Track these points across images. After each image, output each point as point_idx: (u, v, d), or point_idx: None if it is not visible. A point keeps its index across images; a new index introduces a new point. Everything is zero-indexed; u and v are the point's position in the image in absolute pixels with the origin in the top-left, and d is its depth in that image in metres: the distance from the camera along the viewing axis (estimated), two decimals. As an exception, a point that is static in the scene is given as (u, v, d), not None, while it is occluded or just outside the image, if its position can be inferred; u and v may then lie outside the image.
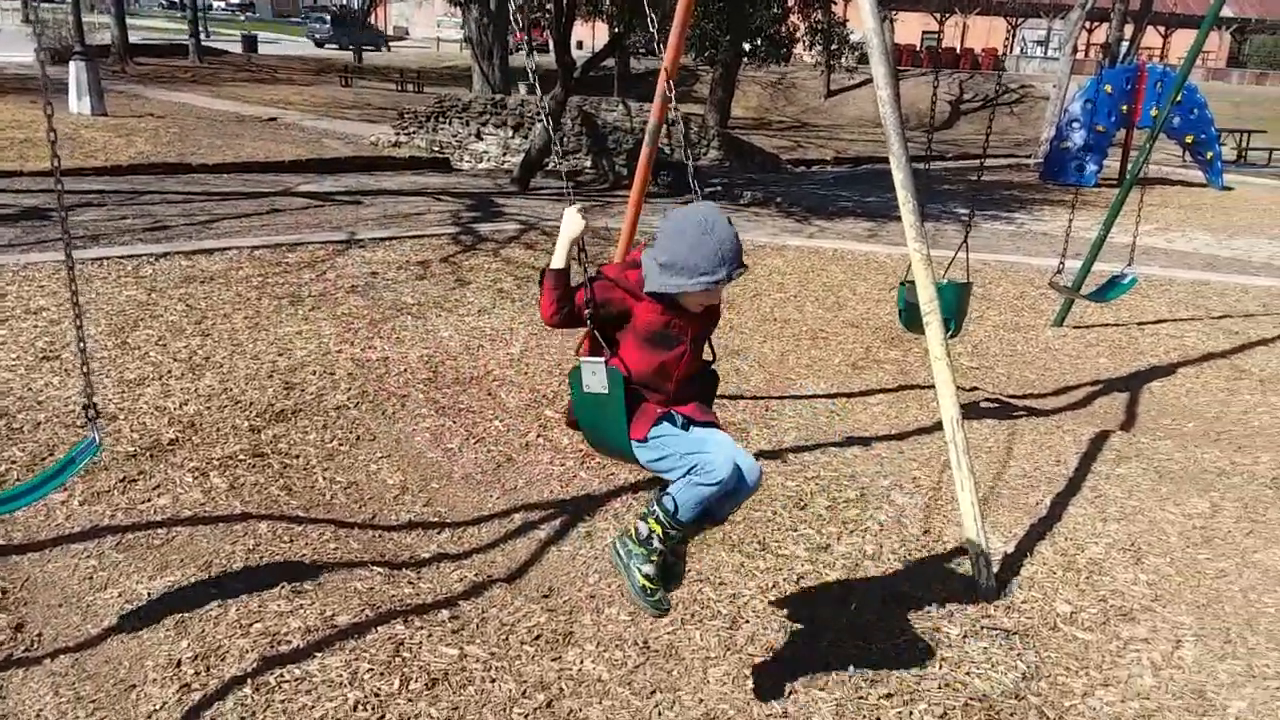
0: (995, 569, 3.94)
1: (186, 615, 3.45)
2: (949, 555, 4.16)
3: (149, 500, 4.26)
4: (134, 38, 34.47)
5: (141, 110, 18.86)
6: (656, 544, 2.78)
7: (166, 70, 29.42)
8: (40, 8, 3.80)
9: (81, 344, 3.37)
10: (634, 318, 2.74)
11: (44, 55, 3.35)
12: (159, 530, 4.03)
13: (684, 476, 2.69)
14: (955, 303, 5.32)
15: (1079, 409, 6.33)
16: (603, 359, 2.70)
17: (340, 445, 4.99)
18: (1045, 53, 50.94)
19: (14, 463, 4.45)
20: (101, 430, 3.42)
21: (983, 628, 3.63)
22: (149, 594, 3.58)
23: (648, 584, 2.79)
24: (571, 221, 2.79)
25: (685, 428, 2.77)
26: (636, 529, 2.82)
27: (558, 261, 2.75)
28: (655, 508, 2.77)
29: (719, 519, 2.93)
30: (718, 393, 3.02)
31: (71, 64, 17.25)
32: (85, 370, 3.32)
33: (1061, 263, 7.41)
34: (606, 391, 2.69)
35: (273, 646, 3.29)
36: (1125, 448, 5.51)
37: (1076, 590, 3.93)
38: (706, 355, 2.91)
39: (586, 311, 2.71)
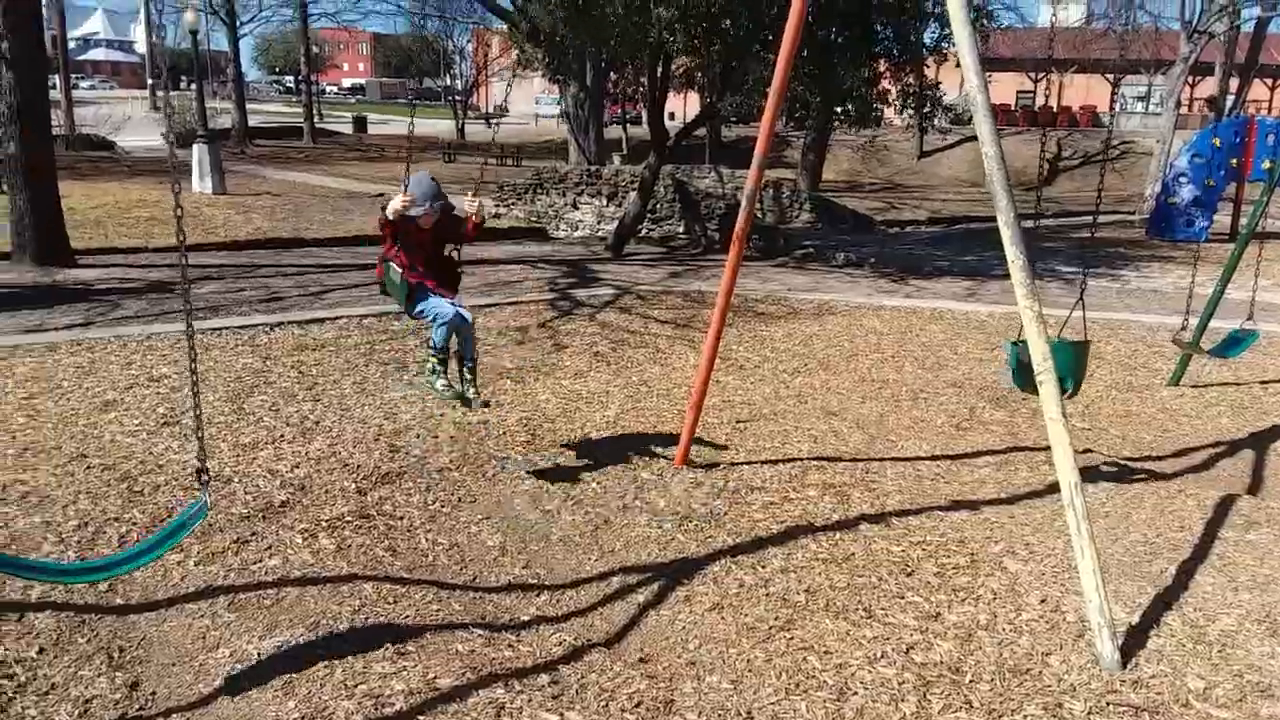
0: (1120, 641, 3.72)
1: (294, 676, 3.50)
2: (1069, 626, 3.95)
3: (260, 561, 4.37)
4: (253, 121, 36.60)
5: (259, 189, 19.89)
6: (437, 366, 5.11)
7: (282, 151, 31.07)
8: (170, 96, 4.06)
9: (197, 410, 3.51)
10: (408, 234, 4.95)
11: (172, 138, 3.57)
12: (269, 590, 4.12)
13: (431, 320, 5.04)
14: (1072, 362, 5.11)
15: (1201, 471, 6.01)
16: (400, 271, 4.93)
17: (442, 507, 5.06)
18: (1146, 108, 49.73)
19: (134, 524, 4.63)
20: (210, 493, 3.53)
21: (1109, 704, 3.42)
22: (258, 654, 3.65)
23: (445, 389, 5.13)
24: (397, 200, 4.76)
25: (431, 291, 5.02)
26: (426, 368, 5.20)
27: (389, 214, 4.80)
28: (427, 350, 5.17)
29: (468, 356, 5.23)
30: None
31: (195, 146, 18.36)
32: (200, 435, 3.46)
33: (1185, 318, 7.12)
34: (397, 283, 4.96)
35: (377, 709, 3.31)
36: (1254, 512, 5.19)
37: (1209, 664, 3.68)
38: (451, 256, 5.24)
39: (395, 245, 5.01)
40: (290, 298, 9.97)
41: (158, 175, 20.56)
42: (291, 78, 73.79)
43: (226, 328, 8.34)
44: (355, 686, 3.43)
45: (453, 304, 4.99)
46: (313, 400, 6.55)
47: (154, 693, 3.47)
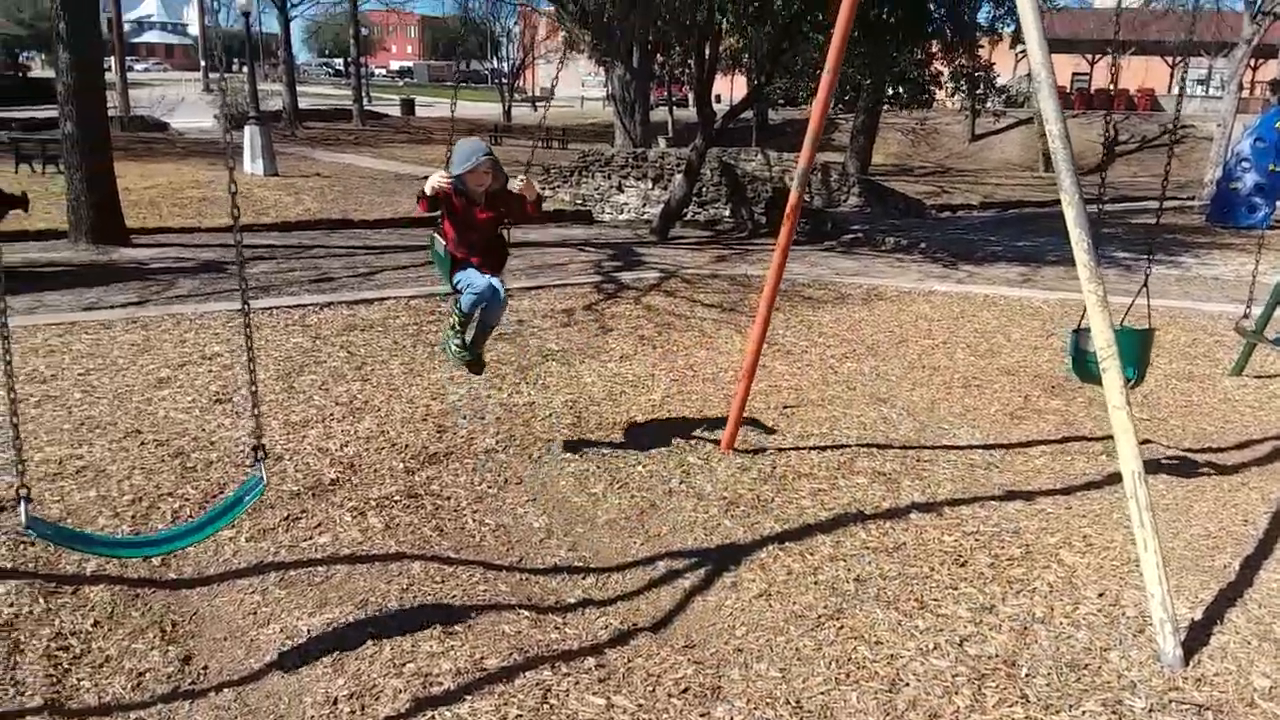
0: (1182, 637, 3.61)
1: (343, 653, 3.52)
2: (1129, 621, 3.84)
3: (310, 539, 4.40)
4: (303, 104, 36.95)
5: (309, 170, 20.09)
6: (458, 326, 5.10)
7: (332, 133, 31.35)
8: (223, 78, 4.09)
9: (253, 388, 3.53)
10: (455, 208, 4.88)
11: (225, 121, 3.58)
12: (319, 568, 4.15)
13: (465, 290, 4.95)
14: (1137, 350, 4.95)
15: (1265, 464, 5.82)
16: (444, 242, 4.93)
17: (489, 488, 5.06)
18: (1206, 91, 48.38)
19: (187, 499, 4.69)
20: (267, 470, 3.56)
21: (1171, 701, 3.32)
22: (309, 631, 3.67)
23: (459, 350, 5.14)
24: (437, 176, 4.68)
25: (475, 268, 4.97)
26: (449, 326, 5.19)
27: (426, 190, 4.70)
28: (453, 310, 5.14)
29: (488, 322, 5.17)
30: None
31: (246, 128, 18.57)
32: (256, 413, 3.47)
33: (1248, 307, 6.90)
34: (441, 255, 4.97)
35: (425, 688, 3.31)
36: (1324, 508, 5.02)
37: (1275, 663, 3.56)
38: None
39: (440, 210, 4.91)
40: (340, 278, 10.05)
41: (210, 156, 20.84)
42: (341, 60, 74.44)
43: (277, 307, 8.42)
44: (403, 665, 3.44)
45: (488, 277, 4.94)
46: (361, 380, 6.59)
47: (206, 667, 3.50)
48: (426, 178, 4.83)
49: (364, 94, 40.53)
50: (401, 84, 73.80)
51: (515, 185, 5.02)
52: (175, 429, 5.56)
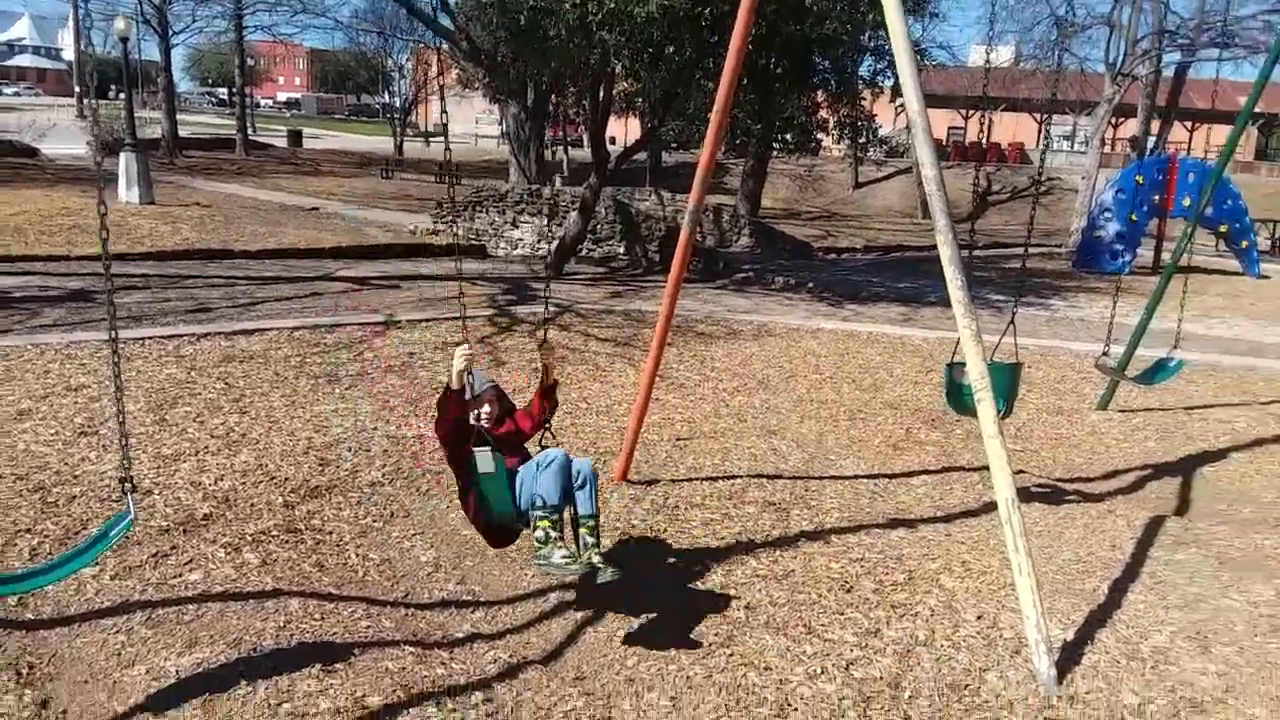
0: (1056, 657, 3.74)
1: (214, 694, 3.34)
2: (1005, 642, 3.96)
3: (180, 575, 4.18)
4: (184, 132, 35.73)
5: (188, 200, 19.37)
6: (551, 533, 3.78)
7: (214, 163, 30.35)
8: (95, 104, 3.93)
9: (121, 418, 3.35)
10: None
11: (97, 145, 3.43)
12: (189, 606, 3.94)
13: (537, 472, 3.85)
14: (1006, 383, 5.20)
15: (1130, 493, 6.13)
16: (487, 448, 3.78)
17: (374, 522, 4.91)
18: (1071, 146, 51.43)
19: (47, 536, 4.41)
20: (136, 504, 3.37)
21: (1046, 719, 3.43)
22: (177, 671, 3.48)
23: (568, 560, 3.74)
24: (460, 355, 3.89)
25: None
26: (536, 539, 3.80)
27: (454, 384, 3.89)
28: (533, 513, 3.83)
29: (589, 511, 3.93)
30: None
31: (122, 155, 17.81)
32: (124, 444, 3.30)
33: (1108, 345, 7.29)
34: (494, 469, 3.79)
35: (302, 727, 3.16)
36: (1182, 533, 5.30)
37: (1143, 680, 3.72)
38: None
39: (482, 425, 3.96)
40: (218, 309, 9.68)
41: (82, 184, 19.89)
42: (225, 90, 72.50)
43: (151, 337, 8.05)
44: (279, 706, 3.28)
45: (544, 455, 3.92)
46: (239, 412, 6.33)
47: (65, 710, 3.28)
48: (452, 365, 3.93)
49: (249, 124, 39.48)
50: (289, 115, 72.25)
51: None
52: (35, 463, 5.23)
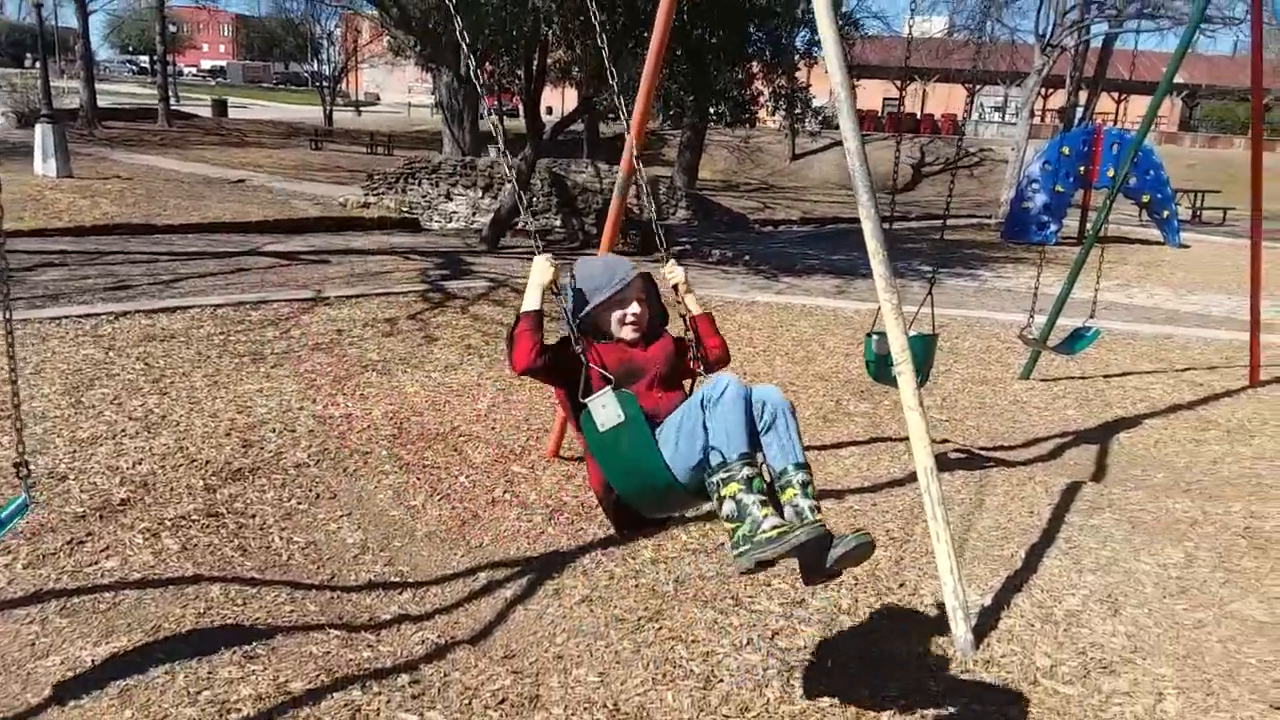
0: (974, 622, 3.85)
1: (132, 683, 3.27)
2: (926, 609, 4.06)
3: (97, 563, 4.08)
4: (103, 102, 34.49)
5: (108, 172, 18.75)
6: (745, 499, 2.54)
7: (135, 134, 29.39)
8: (9, 74, 3.74)
9: (15, 399, 3.24)
10: (604, 361, 2.89)
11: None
12: (106, 594, 3.85)
13: (702, 417, 2.59)
14: (922, 354, 5.30)
15: (1050, 460, 6.30)
16: (607, 388, 2.68)
17: (299, 504, 4.84)
18: (1003, 118, 52.30)
19: (-45, 525, 4.26)
20: (40, 491, 3.27)
21: (964, 683, 3.53)
22: (93, 661, 3.40)
23: (779, 530, 2.49)
24: (541, 268, 3.00)
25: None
26: (727, 518, 2.59)
27: (530, 304, 2.95)
28: (716, 480, 2.60)
29: (792, 461, 2.72)
30: None
31: (38, 126, 17.15)
32: (18, 426, 3.19)
33: (1031, 317, 7.46)
34: (623, 418, 2.61)
35: (222, 715, 3.12)
36: (1097, 498, 5.47)
37: (1055, 643, 3.84)
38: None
39: (577, 347, 2.84)
40: (139, 286, 9.41)
41: (-5, 155, 19.13)
42: (146, 58, 70.03)
43: (66, 317, 7.80)
44: (198, 693, 3.23)
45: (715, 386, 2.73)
46: (159, 394, 6.17)
47: (-28, 706, 3.18)
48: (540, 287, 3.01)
49: (171, 93, 38.26)
50: (214, 84, 70.14)
51: (671, 275, 3.34)
52: (-59, 449, 5.05)
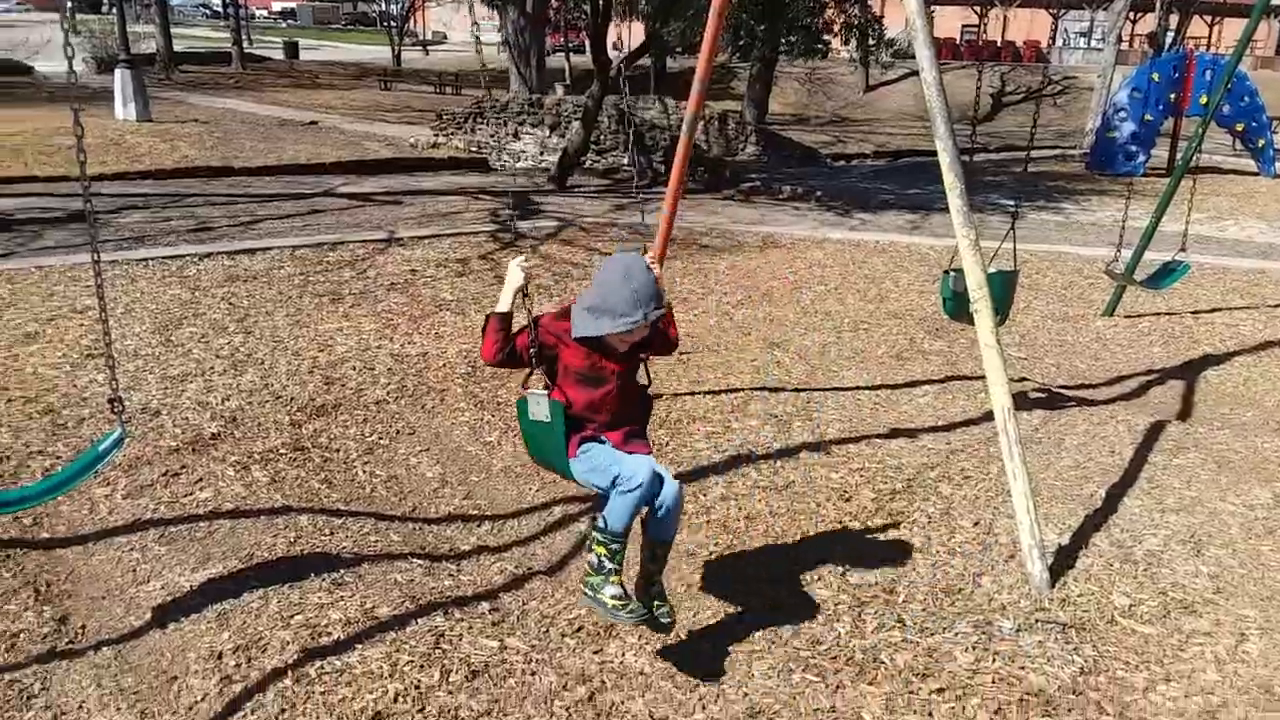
0: (1049, 561, 3.81)
1: (228, 607, 3.44)
2: (1001, 548, 4.04)
3: (191, 494, 4.27)
4: (178, 46, 35.05)
5: (186, 116, 19.14)
6: (608, 564, 3.02)
7: (210, 77, 29.87)
8: (88, 19, 3.82)
9: (107, 337, 3.38)
10: (566, 361, 3.10)
11: (75, 60, 3.37)
12: (201, 523, 4.03)
13: (610, 488, 2.97)
14: (1001, 291, 5.16)
15: (1133, 399, 6.15)
16: (545, 392, 3.04)
17: (380, 439, 4.98)
18: (1088, 44, 50.06)
19: (59, 458, 4.49)
20: (136, 425, 3.41)
21: (1037, 621, 3.52)
22: (191, 586, 3.58)
23: (617, 602, 3.00)
24: (514, 273, 3.11)
25: (609, 448, 3.09)
26: (589, 563, 3.07)
27: (502, 306, 3.11)
28: (594, 534, 3.05)
29: (661, 538, 3.15)
30: (650, 416, 3.39)
31: (117, 72, 17.53)
32: (110, 364, 3.33)
33: (1117, 251, 7.22)
34: (549, 420, 3.03)
35: (313, 638, 3.27)
36: (1182, 438, 5.33)
37: (1134, 583, 3.80)
38: (642, 380, 3.25)
39: (531, 350, 3.06)
40: (220, 228, 9.65)
41: (80, 101, 19.62)
42: (219, 1, 70.80)
43: (153, 258, 8.05)
44: (291, 617, 3.38)
45: (639, 456, 3.04)
46: (244, 333, 6.37)
47: (83, 626, 3.39)
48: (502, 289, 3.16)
49: (244, 36, 38.69)
50: (285, 26, 70.70)
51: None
52: (44, 385, 5.30)
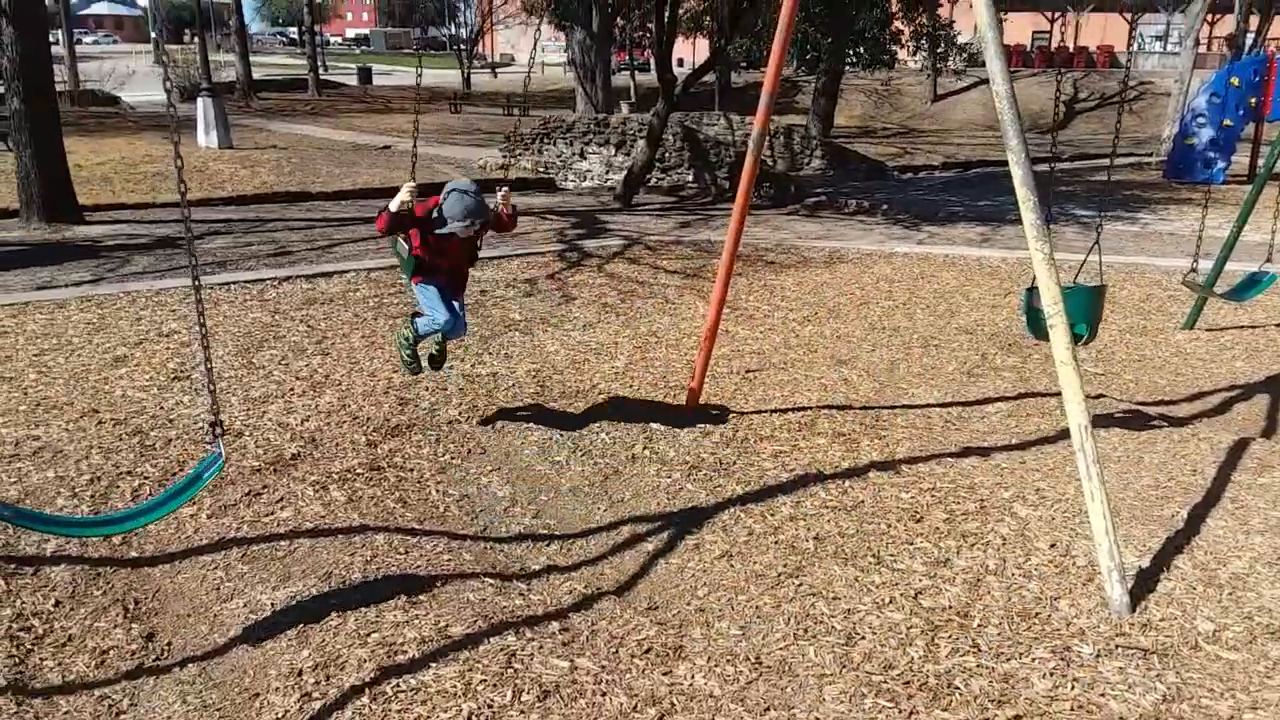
0: (1129, 585, 3.72)
1: (307, 625, 3.54)
2: (1078, 570, 3.95)
3: (272, 513, 4.40)
4: (257, 74, 36.26)
5: (265, 142, 19.77)
6: (408, 338, 5.09)
7: (287, 103, 30.82)
8: (171, 50, 4.00)
9: (208, 364, 3.51)
10: (428, 237, 4.83)
11: (174, 91, 3.53)
12: (282, 542, 4.16)
13: (429, 313, 4.96)
14: (1088, 306, 5.02)
15: (1215, 415, 5.97)
16: (408, 245, 4.93)
17: (452, 459, 5.08)
18: (1164, 48, 48.72)
19: (146, 478, 4.67)
20: (226, 446, 3.55)
21: (1118, 647, 3.43)
22: (272, 604, 3.69)
23: (410, 359, 5.14)
24: (409, 190, 4.63)
25: (439, 290, 4.94)
26: (400, 335, 5.13)
27: (394, 207, 4.62)
28: (408, 325, 5.12)
29: (447, 339, 5.21)
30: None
31: (199, 100, 18.22)
32: (211, 389, 3.46)
33: (1196, 261, 7.03)
34: (405, 259, 5.00)
35: (389, 656, 3.34)
36: (1267, 455, 5.16)
37: (1219, 607, 3.68)
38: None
39: (404, 243, 5.01)
40: (298, 251, 9.94)
41: (163, 130, 20.41)
42: (295, 29, 72.95)
43: (235, 282, 8.33)
44: (368, 635, 3.46)
45: (454, 309, 4.94)
46: (322, 354, 6.55)
47: (170, 643, 3.51)
48: (396, 190, 4.78)
49: (319, 63, 39.84)
50: (358, 52, 72.56)
51: (494, 201, 5.01)
52: (133, 407, 5.52)
